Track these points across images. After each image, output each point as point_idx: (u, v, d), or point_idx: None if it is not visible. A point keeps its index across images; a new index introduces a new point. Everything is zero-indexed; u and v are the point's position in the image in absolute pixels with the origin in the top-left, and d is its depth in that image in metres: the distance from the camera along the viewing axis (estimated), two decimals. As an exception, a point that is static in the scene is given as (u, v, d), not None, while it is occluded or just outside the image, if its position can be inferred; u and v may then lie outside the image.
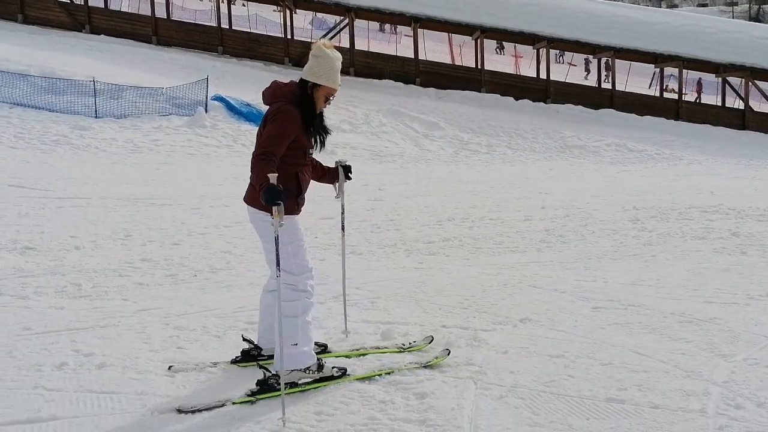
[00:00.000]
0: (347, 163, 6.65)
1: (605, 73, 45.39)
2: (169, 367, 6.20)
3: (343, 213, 6.95)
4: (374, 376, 6.03)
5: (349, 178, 6.64)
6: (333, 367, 5.97)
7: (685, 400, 5.58)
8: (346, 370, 6.01)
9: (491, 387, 5.83)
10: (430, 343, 6.85)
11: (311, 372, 5.81)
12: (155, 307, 8.09)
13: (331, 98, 6.03)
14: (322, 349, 6.58)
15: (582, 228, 13.68)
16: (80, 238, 11.43)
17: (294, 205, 5.85)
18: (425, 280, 9.57)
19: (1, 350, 6.49)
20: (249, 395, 5.62)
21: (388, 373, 6.07)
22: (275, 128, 5.69)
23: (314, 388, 5.77)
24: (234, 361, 6.32)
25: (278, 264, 5.53)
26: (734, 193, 18.51)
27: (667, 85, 46.30)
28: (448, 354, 6.47)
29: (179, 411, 5.42)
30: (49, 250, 10.63)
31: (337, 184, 6.59)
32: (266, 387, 5.66)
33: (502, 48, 55.47)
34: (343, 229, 6.95)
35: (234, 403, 5.53)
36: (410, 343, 6.83)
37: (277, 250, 5.51)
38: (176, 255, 10.70)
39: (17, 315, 7.61)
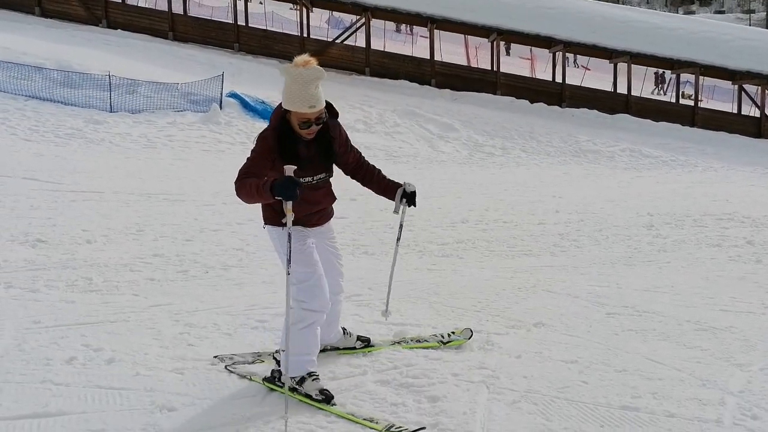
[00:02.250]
0: (412, 189, 6.08)
1: (660, 86, 45.27)
2: (215, 356, 6.40)
3: (400, 229, 6.59)
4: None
5: (412, 205, 6.11)
6: (321, 390, 5.58)
7: (701, 409, 5.50)
8: (332, 397, 5.55)
9: (504, 392, 5.77)
10: (469, 338, 6.89)
11: (294, 382, 5.63)
12: (166, 303, 8.05)
13: (311, 123, 5.51)
14: (365, 344, 6.71)
15: (596, 233, 13.60)
16: (92, 232, 11.41)
17: (277, 219, 5.66)
18: (438, 282, 9.51)
19: (11, 343, 6.47)
20: (264, 378, 5.94)
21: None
22: (251, 154, 5.60)
23: (309, 404, 5.57)
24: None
25: (289, 261, 5.42)
26: (749, 201, 18.39)
27: (683, 92, 46.16)
28: (470, 337, 6.78)
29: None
30: (61, 244, 10.60)
31: (395, 203, 6.13)
32: (272, 378, 5.91)
33: (509, 49, 55.22)
34: (397, 240, 6.62)
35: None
36: (449, 336, 6.95)
37: (289, 247, 5.43)
38: (188, 251, 10.67)
39: (27, 308, 7.58)
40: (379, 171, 6.24)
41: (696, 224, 14.62)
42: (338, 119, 5.95)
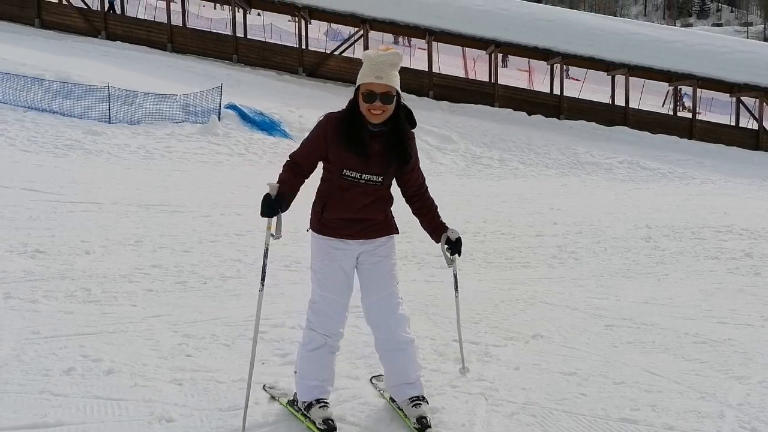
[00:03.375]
0: (456, 236, 5.65)
1: (679, 103, 45.30)
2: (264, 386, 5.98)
3: (455, 278, 6.07)
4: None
5: (456, 254, 5.70)
6: (325, 419, 5.20)
7: (700, 422, 5.49)
8: (335, 429, 5.19)
9: (502, 403, 5.76)
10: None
11: (302, 406, 5.39)
12: (164, 313, 8.04)
13: (375, 96, 5.06)
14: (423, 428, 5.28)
15: (594, 245, 13.61)
16: (91, 243, 11.40)
17: (316, 223, 5.37)
18: (436, 293, 9.50)
19: (9, 354, 6.45)
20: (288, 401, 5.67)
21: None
22: (306, 137, 5.39)
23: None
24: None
25: (263, 277, 5.39)
26: (748, 214, 18.42)
27: (682, 103, 46.31)
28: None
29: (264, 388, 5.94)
30: (60, 255, 10.59)
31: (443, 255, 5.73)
32: (293, 401, 5.58)
33: (506, 61, 55.28)
34: (455, 291, 6.13)
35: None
36: None
37: (263, 264, 5.35)
38: (186, 262, 10.66)
39: (26, 318, 7.57)
40: (436, 207, 5.74)
41: (694, 236, 14.64)
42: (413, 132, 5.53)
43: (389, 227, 5.51)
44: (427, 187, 5.72)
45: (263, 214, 5.13)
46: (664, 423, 5.46)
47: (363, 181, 5.23)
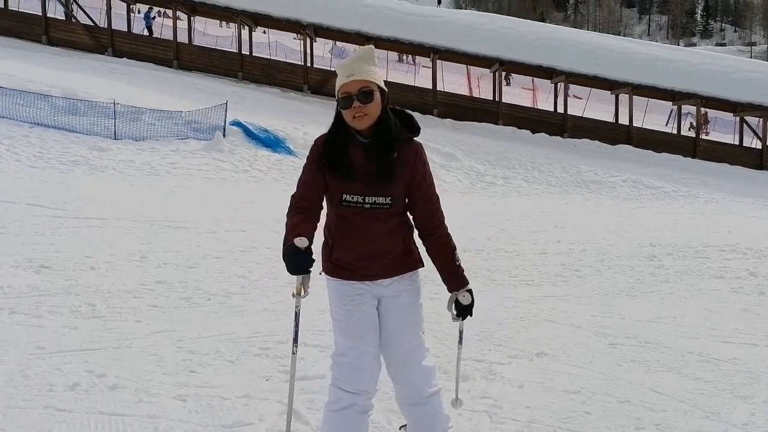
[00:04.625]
0: (467, 302, 4.77)
1: (697, 126, 45.31)
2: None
3: (460, 334, 5.10)
4: None
5: (465, 315, 4.83)
6: None
7: (704, 441, 5.51)
8: None
9: (506, 421, 5.77)
10: None
11: None
12: (169, 329, 8.05)
13: (351, 98, 4.42)
14: None
15: (598, 263, 13.60)
16: (95, 259, 11.41)
17: (328, 264, 4.67)
18: (440, 311, 9.44)
19: (14, 369, 6.46)
20: None
21: None
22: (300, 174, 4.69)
23: None
24: None
25: (295, 340, 4.61)
26: (752, 233, 18.39)
27: (691, 123, 46.41)
28: None
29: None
30: (65, 270, 10.60)
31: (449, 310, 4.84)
32: None
33: (509, 79, 55.31)
34: (459, 343, 5.17)
35: None
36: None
37: (295, 328, 4.60)
38: (191, 278, 10.66)
39: (31, 334, 7.58)
40: (452, 249, 4.78)
41: (698, 255, 14.62)
42: (418, 140, 4.74)
43: (412, 261, 4.76)
44: (442, 222, 4.76)
45: (294, 271, 4.25)
46: (669, 442, 5.46)
47: (368, 206, 4.48)
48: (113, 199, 17.41)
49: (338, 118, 4.58)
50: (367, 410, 4.54)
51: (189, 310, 9.01)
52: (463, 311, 4.75)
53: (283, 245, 4.32)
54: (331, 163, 4.48)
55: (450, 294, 4.77)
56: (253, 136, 27.79)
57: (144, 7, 48.93)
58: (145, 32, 45.88)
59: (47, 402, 5.78)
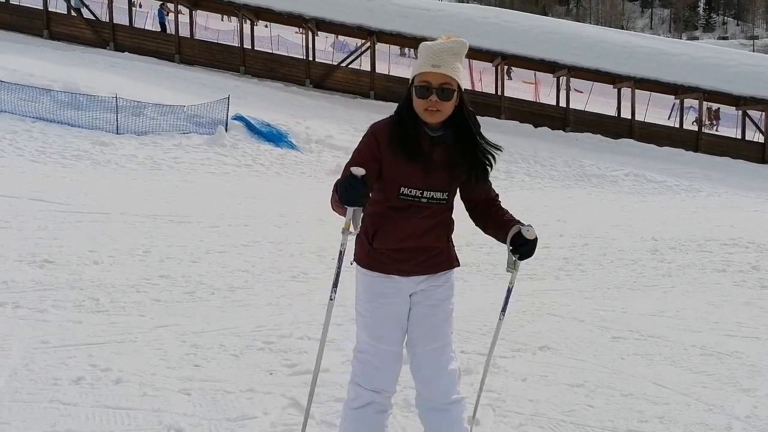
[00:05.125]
0: (533, 235, 4.39)
1: (708, 122, 45.36)
2: None
3: (508, 294, 4.77)
4: None
5: (526, 255, 4.45)
6: None
7: (707, 434, 5.52)
8: None
9: (510, 414, 5.78)
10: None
11: None
12: (173, 323, 8.06)
13: (430, 89, 4.10)
14: None
15: (601, 257, 13.62)
16: (99, 253, 11.42)
17: (364, 255, 4.39)
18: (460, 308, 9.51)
19: (19, 363, 6.48)
20: None
21: None
22: (352, 155, 4.31)
23: None
24: None
25: (335, 284, 4.33)
26: (754, 227, 18.40)
27: (702, 118, 46.46)
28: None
29: None
30: (68, 264, 10.61)
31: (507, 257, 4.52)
32: None
33: (510, 73, 55.27)
34: (502, 311, 4.83)
35: None
36: None
37: (338, 268, 4.30)
38: (194, 272, 10.68)
39: (35, 328, 7.59)
40: (507, 212, 4.66)
41: (701, 249, 14.63)
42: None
43: (451, 259, 4.60)
44: (499, 200, 4.74)
45: (348, 201, 3.88)
46: (672, 435, 5.47)
47: (425, 200, 4.27)
48: (116, 193, 17.44)
49: (406, 103, 4.26)
50: (385, 409, 4.42)
51: (192, 305, 9.02)
52: (526, 249, 4.39)
53: (336, 187, 3.96)
54: (402, 148, 4.17)
55: (507, 236, 4.42)
56: (255, 130, 27.80)
57: (154, 4, 48.98)
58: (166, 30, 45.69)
59: (52, 396, 5.79)
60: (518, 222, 4.44)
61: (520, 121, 38.84)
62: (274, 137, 27.65)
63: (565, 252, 14.01)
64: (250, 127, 27.91)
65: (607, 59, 39.88)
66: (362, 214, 4.10)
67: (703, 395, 6.34)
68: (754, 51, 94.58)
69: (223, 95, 28.25)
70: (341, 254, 4.23)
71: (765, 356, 7.61)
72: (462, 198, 4.59)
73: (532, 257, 4.49)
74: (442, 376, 4.40)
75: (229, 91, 29.71)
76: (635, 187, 30.09)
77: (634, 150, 37.22)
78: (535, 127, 38.61)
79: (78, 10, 41.64)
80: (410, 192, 4.21)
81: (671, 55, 40.69)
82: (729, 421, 5.78)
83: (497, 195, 4.70)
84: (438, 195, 4.27)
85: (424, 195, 4.23)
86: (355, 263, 4.43)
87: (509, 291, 4.70)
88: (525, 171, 30.80)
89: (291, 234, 14.07)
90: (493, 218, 4.57)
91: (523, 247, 4.35)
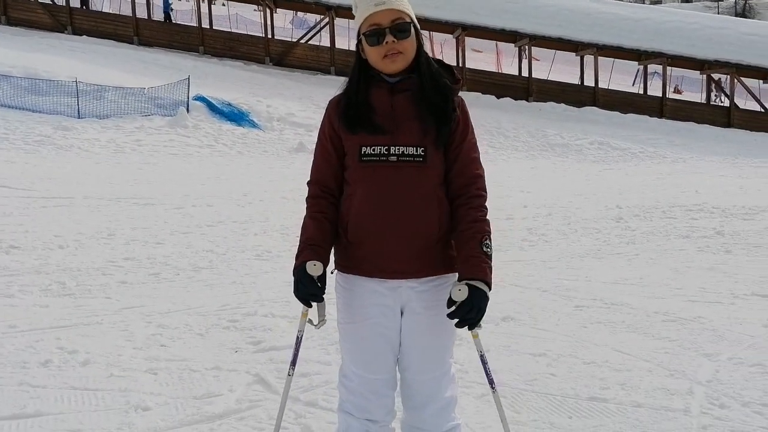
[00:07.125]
0: (459, 294, 3.30)
1: (715, 93, 45.48)
2: None
3: (483, 364, 3.80)
4: None
5: (460, 320, 3.33)
6: None
7: (669, 399, 5.56)
8: None
9: (473, 385, 5.82)
10: None
11: None
12: (138, 305, 8.07)
13: (383, 31, 3.39)
14: None
15: (564, 227, 13.70)
16: (64, 237, 11.40)
17: (341, 254, 3.60)
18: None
19: (-14, 348, 6.49)
20: None
21: None
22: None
23: None
24: None
25: (293, 362, 3.74)
26: (719, 192, 18.57)
27: (676, 86, 46.59)
28: None
29: None
30: (34, 249, 10.60)
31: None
32: None
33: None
34: (491, 383, 3.85)
35: None
36: None
37: (295, 351, 3.72)
38: (159, 254, 10.68)
39: (3, 313, 7.58)
40: (484, 232, 3.49)
41: (665, 216, 14.76)
42: (458, 94, 3.69)
43: (452, 258, 3.56)
44: (480, 195, 3.53)
45: (302, 298, 3.44)
46: (633, 401, 5.53)
47: (394, 158, 3.38)
48: (80, 178, 17.39)
49: (359, 63, 3.56)
50: None
51: (158, 286, 9.02)
52: (456, 311, 3.32)
53: (296, 257, 3.48)
54: (349, 114, 3.45)
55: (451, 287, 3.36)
56: (216, 110, 27.76)
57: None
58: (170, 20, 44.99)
59: (21, 379, 5.79)
60: (471, 269, 3.41)
61: (482, 92, 38.78)
62: (236, 116, 27.62)
63: (528, 222, 14.09)
64: (212, 107, 27.86)
65: (568, 27, 40.00)
66: (325, 306, 3.52)
67: (665, 361, 6.40)
68: (718, 13, 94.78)
69: (183, 76, 28.17)
70: (299, 339, 3.71)
71: (727, 321, 7.68)
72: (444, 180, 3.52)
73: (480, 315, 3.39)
74: (436, 407, 3.62)
75: (189, 72, 29.63)
76: (600, 155, 30.26)
77: (599, 118, 37.36)
78: (498, 98, 38.60)
79: None
80: (373, 150, 3.39)
81: (634, 21, 40.85)
82: (691, 385, 5.84)
83: (477, 179, 3.54)
84: (410, 150, 3.37)
85: (392, 152, 3.37)
86: (335, 271, 3.62)
87: (483, 359, 3.77)
88: (488, 143, 30.84)
89: (254, 213, 14.08)
90: (460, 240, 3.49)
91: (457, 310, 3.33)
